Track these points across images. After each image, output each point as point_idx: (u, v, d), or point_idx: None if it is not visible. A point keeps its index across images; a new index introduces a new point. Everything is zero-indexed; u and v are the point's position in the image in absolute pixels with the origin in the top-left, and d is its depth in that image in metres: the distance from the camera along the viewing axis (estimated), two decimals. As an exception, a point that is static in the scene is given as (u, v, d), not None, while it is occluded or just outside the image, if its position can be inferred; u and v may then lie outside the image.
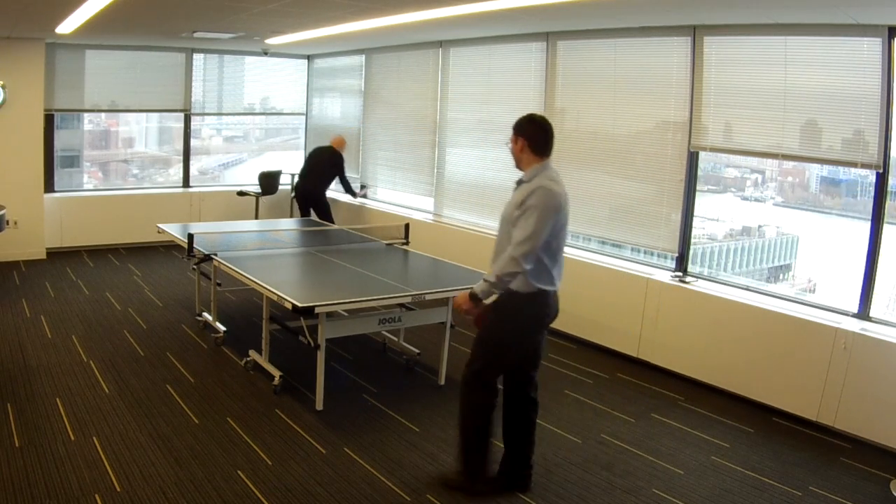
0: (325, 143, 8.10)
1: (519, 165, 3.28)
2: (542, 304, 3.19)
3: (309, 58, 9.44)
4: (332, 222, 7.39)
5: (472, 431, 3.32)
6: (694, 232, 5.16)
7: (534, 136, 3.21)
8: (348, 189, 8.03)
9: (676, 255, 5.20)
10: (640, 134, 5.41)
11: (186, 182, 8.88)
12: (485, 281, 3.13)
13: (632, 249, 5.62)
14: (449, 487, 3.38)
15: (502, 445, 3.47)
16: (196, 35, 7.08)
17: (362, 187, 8.44)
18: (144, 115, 9.06)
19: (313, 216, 7.85)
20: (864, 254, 4.22)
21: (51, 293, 6.32)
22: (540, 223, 3.02)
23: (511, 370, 3.38)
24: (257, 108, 9.66)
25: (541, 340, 3.37)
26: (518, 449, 3.42)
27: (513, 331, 3.22)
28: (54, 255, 7.66)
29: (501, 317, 3.21)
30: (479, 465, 3.35)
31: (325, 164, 7.80)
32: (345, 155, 7.93)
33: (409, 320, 4.58)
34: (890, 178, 4.13)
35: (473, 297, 3.14)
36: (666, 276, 5.15)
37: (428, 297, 4.29)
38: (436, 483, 3.42)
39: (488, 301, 3.19)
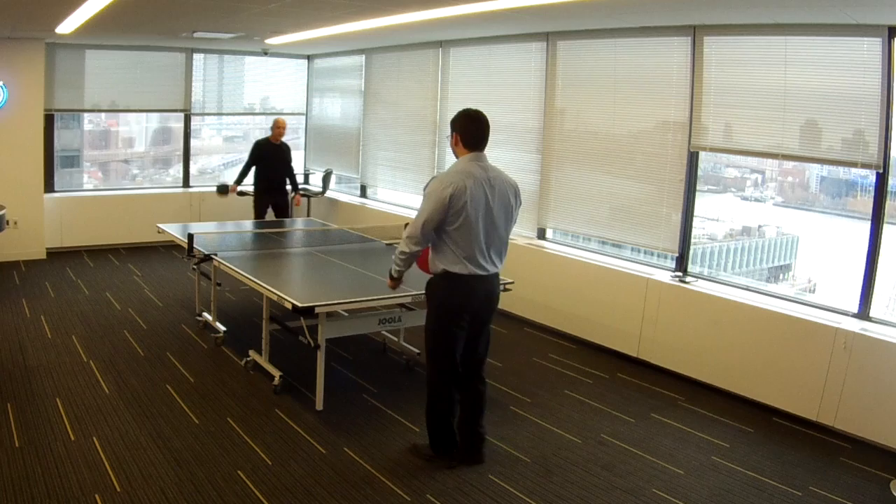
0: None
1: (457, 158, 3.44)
2: (456, 285, 3.35)
3: (309, 58, 9.44)
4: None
5: (433, 414, 3.60)
6: (694, 232, 5.16)
7: (466, 130, 3.36)
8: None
9: (676, 255, 5.20)
10: (640, 134, 5.41)
11: (186, 182, 8.88)
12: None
13: (632, 249, 5.62)
14: (415, 453, 3.67)
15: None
16: (196, 35, 7.08)
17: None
18: (144, 115, 9.06)
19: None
20: (864, 254, 4.21)
21: (51, 293, 6.32)
22: (424, 210, 3.28)
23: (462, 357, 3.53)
24: (257, 108, 9.66)
25: (477, 326, 3.48)
26: (469, 418, 3.59)
27: (437, 309, 3.43)
28: (54, 255, 7.66)
29: (428, 301, 3.48)
30: (439, 442, 3.61)
31: None
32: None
33: (409, 320, 4.57)
34: (890, 178, 4.13)
35: (391, 276, 3.62)
36: (666, 276, 5.15)
37: (428, 297, 4.29)
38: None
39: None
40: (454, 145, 3.40)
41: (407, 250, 3.39)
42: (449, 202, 3.23)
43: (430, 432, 3.64)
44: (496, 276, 3.48)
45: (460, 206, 3.24)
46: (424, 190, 3.34)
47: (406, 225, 3.48)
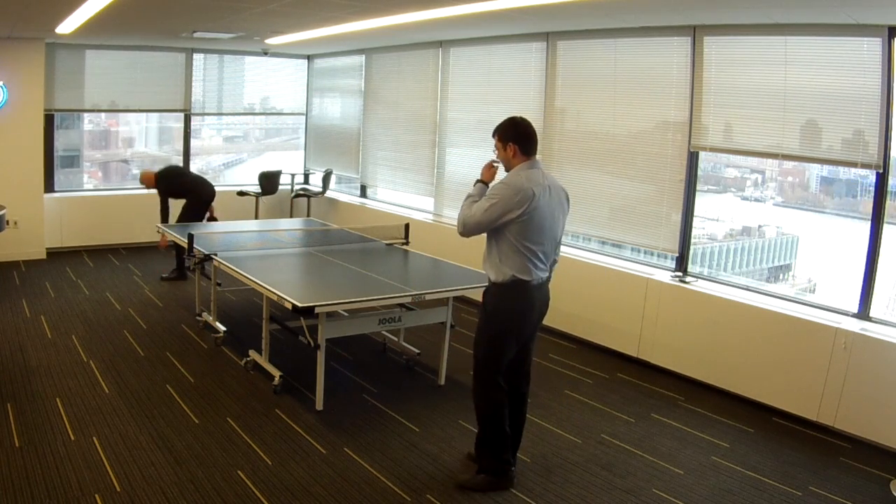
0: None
1: (508, 169, 3.35)
2: (520, 293, 3.27)
3: (309, 58, 9.44)
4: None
5: (487, 428, 3.39)
6: (694, 232, 5.16)
7: (522, 140, 3.31)
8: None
9: (676, 255, 5.20)
10: (640, 134, 5.40)
11: (186, 182, 8.86)
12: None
13: (632, 249, 5.62)
14: (465, 489, 3.38)
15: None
16: (196, 35, 7.08)
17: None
18: (144, 115, 9.06)
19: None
20: (864, 254, 4.22)
21: (51, 293, 6.32)
22: (492, 210, 3.18)
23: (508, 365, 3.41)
24: (257, 108, 9.66)
25: (530, 334, 3.42)
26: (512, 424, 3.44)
27: (501, 315, 3.31)
28: (54, 255, 7.66)
29: (487, 309, 3.34)
30: (498, 460, 3.39)
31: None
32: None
33: (409, 320, 4.58)
34: (890, 178, 4.13)
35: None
36: (666, 276, 5.15)
37: (428, 297, 4.29)
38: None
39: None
40: (510, 157, 3.31)
41: (460, 228, 3.31)
42: (519, 208, 3.16)
43: (486, 448, 3.41)
44: (548, 282, 3.42)
45: (531, 213, 3.18)
46: (491, 191, 3.26)
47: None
